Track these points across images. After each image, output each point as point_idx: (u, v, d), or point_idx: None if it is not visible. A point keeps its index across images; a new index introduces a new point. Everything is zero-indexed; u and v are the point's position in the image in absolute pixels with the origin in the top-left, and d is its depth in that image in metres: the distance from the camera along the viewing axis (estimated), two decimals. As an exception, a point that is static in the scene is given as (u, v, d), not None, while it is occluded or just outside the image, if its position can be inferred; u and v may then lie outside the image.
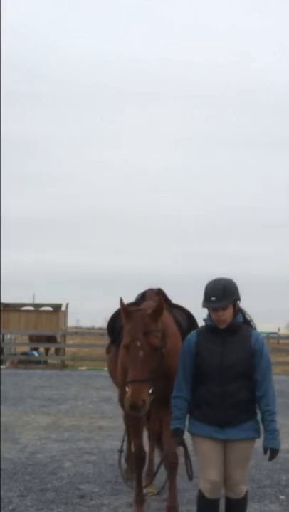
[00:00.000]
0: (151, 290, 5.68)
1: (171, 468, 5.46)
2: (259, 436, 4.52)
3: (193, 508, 5.94)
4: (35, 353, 26.95)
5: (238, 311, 4.58)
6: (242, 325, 4.57)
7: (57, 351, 26.59)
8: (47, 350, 27.51)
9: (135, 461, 5.61)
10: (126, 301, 6.36)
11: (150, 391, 4.58)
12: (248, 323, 4.63)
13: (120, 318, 5.84)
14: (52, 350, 27.22)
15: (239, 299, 4.57)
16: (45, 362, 25.54)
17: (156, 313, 4.84)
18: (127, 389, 4.61)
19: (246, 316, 4.64)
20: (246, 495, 4.59)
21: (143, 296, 5.71)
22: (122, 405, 6.56)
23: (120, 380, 5.48)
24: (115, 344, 5.95)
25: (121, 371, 5.40)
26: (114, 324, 5.99)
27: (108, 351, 6.35)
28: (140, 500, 5.59)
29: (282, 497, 6.41)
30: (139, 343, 4.66)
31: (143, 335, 4.69)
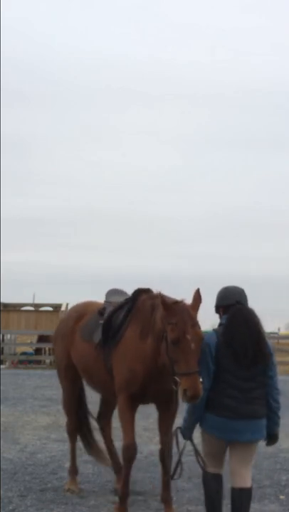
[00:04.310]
0: (142, 290, 5.80)
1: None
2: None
3: (193, 508, 5.95)
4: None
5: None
6: None
7: (38, 350, 26.67)
8: (47, 349, 27.38)
9: (127, 455, 5.56)
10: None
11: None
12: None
13: (116, 316, 5.85)
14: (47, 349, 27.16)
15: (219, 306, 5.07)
16: (51, 362, 25.39)
17: (198, 305, 5.05)
18: (178, 380, 4.77)
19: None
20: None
21: (136, 297, 5.78)
22: (104, 411, 6.31)
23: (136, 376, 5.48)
24: (107, 344, 5.83)
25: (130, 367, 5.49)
26: (110, 323, 5.87)
27: (96, 349, 6.00)
28: (125, 498, 5.59)
29: (282, 497, 6.41)
30: (189, 336, 4.81)
31: (192, 327, 4.87)
